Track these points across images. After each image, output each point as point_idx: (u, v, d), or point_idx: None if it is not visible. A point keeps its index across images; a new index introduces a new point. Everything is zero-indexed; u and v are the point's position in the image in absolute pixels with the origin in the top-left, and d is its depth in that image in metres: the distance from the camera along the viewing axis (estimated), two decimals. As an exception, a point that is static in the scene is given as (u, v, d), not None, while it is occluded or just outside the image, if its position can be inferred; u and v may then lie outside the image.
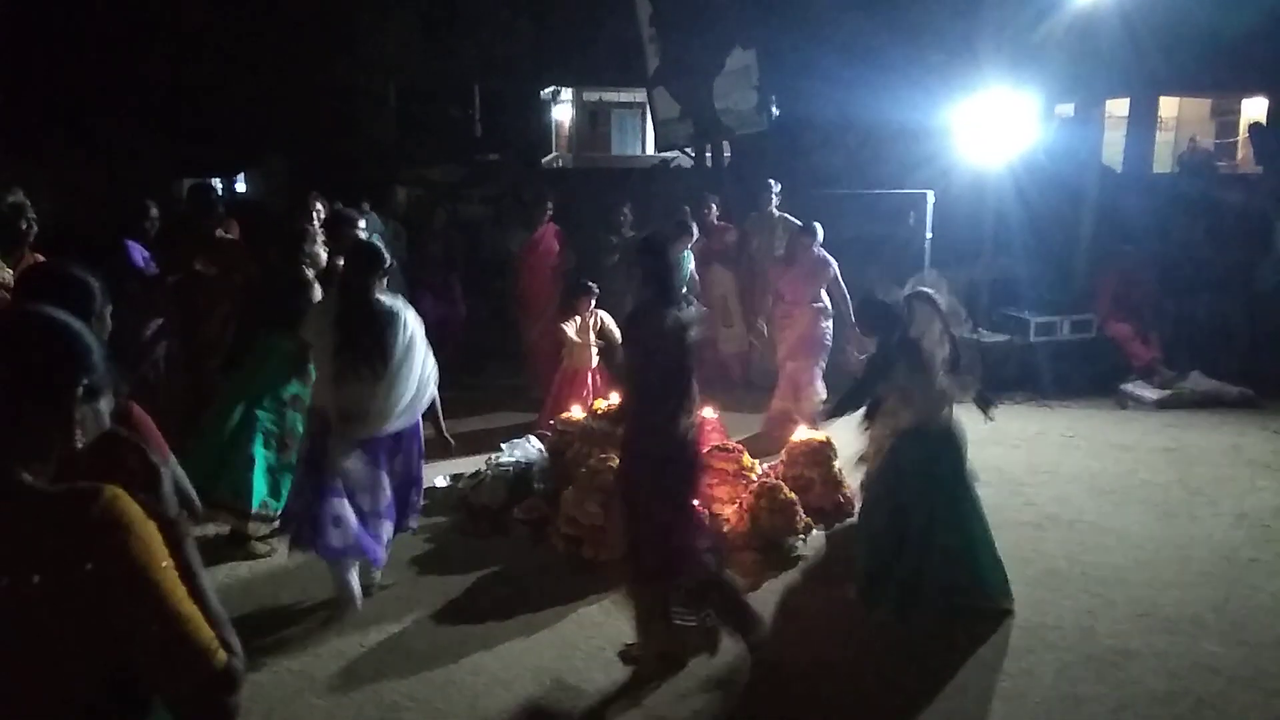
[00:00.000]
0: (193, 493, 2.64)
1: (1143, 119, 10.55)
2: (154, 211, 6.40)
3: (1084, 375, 8.34)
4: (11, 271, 4.05)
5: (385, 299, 4.24)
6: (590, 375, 6.71)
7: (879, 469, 4.52)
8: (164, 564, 1.46)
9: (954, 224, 8.81)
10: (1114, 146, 10.65)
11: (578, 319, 6.65)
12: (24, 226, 4.37)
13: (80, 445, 1.54)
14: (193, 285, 6.12)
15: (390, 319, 4.16)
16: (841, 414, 4.66)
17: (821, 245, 6.95)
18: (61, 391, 1.51)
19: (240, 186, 11.36)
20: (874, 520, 4.47)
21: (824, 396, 6.78)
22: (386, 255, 4.32)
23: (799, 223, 7.77)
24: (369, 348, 4.10)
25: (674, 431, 3.70)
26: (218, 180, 9.42)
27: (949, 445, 4.34)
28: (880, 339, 4.47)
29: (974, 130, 8.63)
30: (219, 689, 1.49)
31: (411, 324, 4.24)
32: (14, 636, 1.40)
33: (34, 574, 1.38)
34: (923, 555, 4.24)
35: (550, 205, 8.17)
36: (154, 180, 6.93)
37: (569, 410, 6.24)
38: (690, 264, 7.71)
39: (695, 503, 4.06)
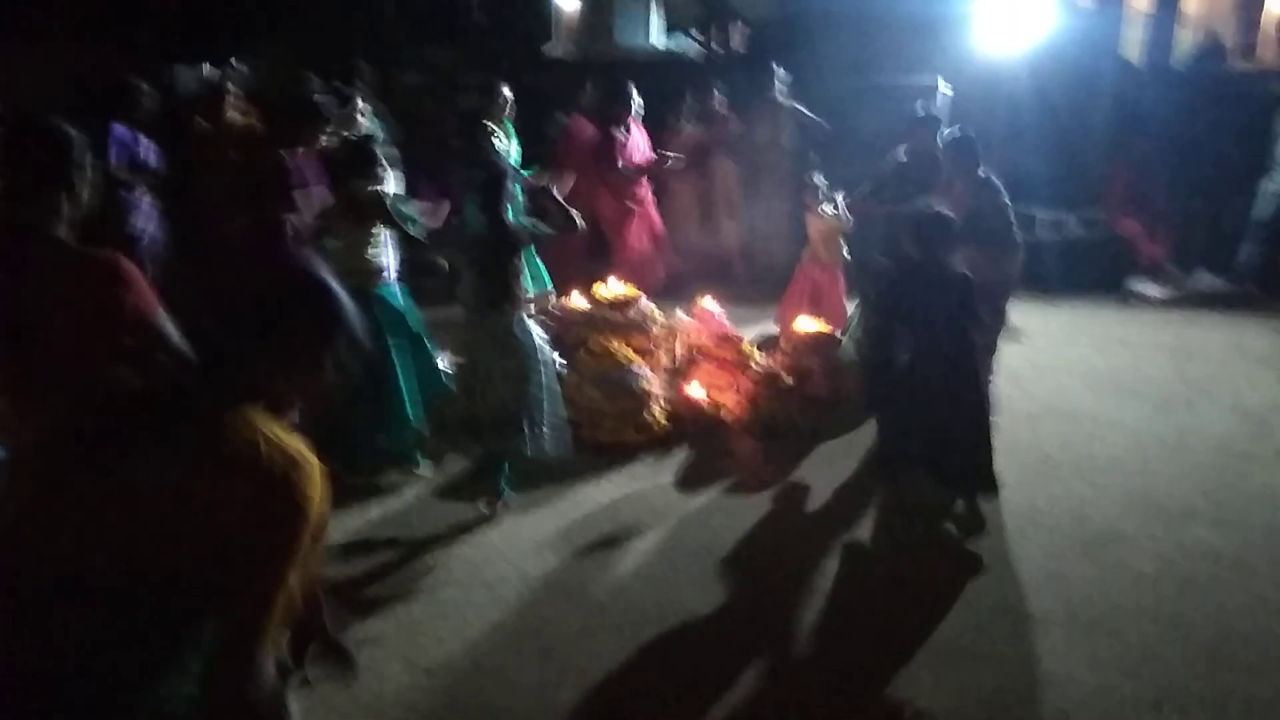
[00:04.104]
0: None
1: (1165, 10, 10.18)
2: (145, 89, 5.69)
3: (1090, 271, 8.26)
4: None
5: None
6: None
7: None
8: None
9: (967, 117, 8.59)
10: (1134, 41, 10.33)
11: None
12: None
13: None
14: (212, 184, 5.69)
15: None
16: None
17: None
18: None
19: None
20: None
21: None
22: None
23: (808, 113, 7.59)
24: None
25: None
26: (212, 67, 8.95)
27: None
28: None
29: (990, 20, 8.35)
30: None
31: None
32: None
33: None
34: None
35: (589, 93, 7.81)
36: (145, 66, 6.43)
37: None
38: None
39: None
